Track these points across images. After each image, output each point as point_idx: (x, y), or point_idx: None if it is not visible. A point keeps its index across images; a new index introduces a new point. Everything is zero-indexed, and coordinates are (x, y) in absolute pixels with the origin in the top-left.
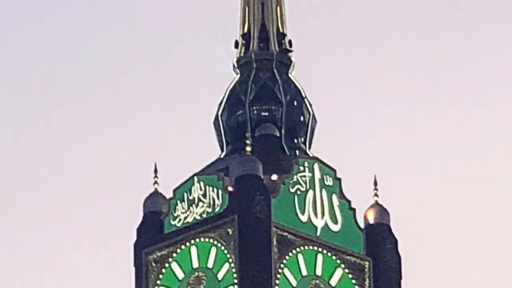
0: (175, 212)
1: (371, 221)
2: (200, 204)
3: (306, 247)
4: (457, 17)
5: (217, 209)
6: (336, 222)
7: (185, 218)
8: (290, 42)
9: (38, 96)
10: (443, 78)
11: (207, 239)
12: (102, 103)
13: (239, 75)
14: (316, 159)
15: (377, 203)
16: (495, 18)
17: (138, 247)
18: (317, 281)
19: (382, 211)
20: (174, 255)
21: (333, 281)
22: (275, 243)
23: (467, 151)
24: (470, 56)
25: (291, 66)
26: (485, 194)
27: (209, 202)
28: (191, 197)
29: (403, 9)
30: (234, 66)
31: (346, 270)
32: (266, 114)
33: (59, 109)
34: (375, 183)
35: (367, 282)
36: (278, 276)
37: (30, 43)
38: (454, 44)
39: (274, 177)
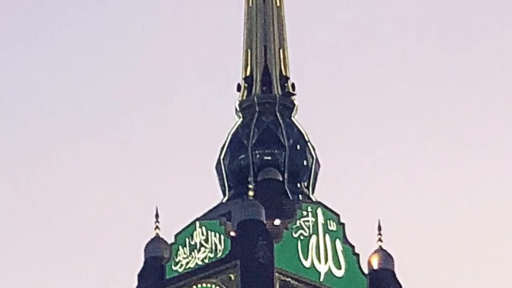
0: (176, 257)
1: (375, 266)
2: (202, 249)
3: None
4: (462, 63)
5: (219, 254)
6: (339, 268)
7: (187, 263)
8: (293, 85)
9: (39, 141)
10: (447, 123)
11: (209, 285)
12: (103, 147)
13: (241, 119)
14: (320, 203)
15: (381, 248)
16: (502, 62)
17: None
18: None
19: (386, 257)
20: None
21: None
22: None
23: (471, 196)
24: (474, 103)
25: (294, 110)
26: (490, 240)
27: (211, 247)
28: (193, 242)
29: (407, 53)
30: (236, 109)
31: None
32: (269, 158)
33: (60, 154)
34: (379, 228)
35: None
36: None
37: (30, 86)
38: (458, 90)
39: (277, 222)
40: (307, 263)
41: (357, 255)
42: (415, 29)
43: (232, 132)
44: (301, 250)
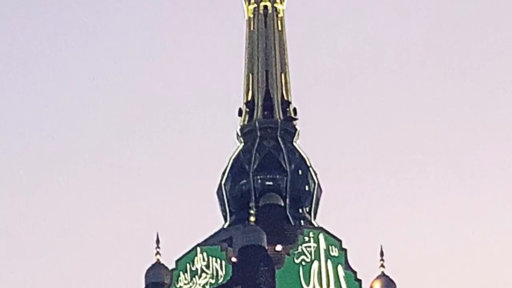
0: (177, 283)
1: None
2: (203, 275)
3: None
4: (464, 89)
5: (220, 280)
6: None
7: None
8: (295, 110)
9: (39, 165)
10: (449, 149)
11: None
12: (103, 172)
13: (242, 144)
14: (321, 229)
15: (383, 274)
16: (505, 88)
17: None
18: None
19: (388, 282)
20: None
21: None
22: None
23: (473, 222)
24: (476, 130)
25: (296, 135)
26: (492, 266)
27: (212, 273)
28: (194, 268)
29: (409, 78)
30: (237, 134)
31: None
32: (270, 183)
33: (59, 178)
34: (381, 254)
35: None
36: None
37: (30, 110)
38: (460, 116)
39: (279, 247)
40: None
41: (359, 281)
42: (417, 55)
43: (233, 157)
44: (303, 276)
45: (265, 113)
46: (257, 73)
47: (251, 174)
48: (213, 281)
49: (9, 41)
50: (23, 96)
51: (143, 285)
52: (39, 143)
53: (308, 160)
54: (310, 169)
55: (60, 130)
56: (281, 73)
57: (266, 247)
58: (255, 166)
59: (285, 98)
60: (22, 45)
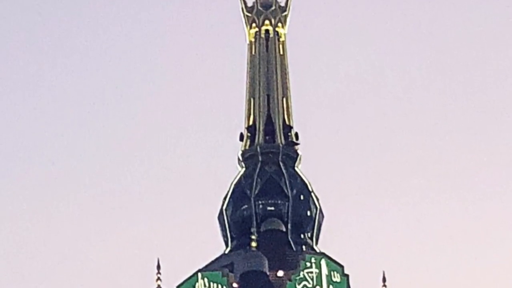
0: None
1: None
2: None
3: None
4: (466, 113)
5: None
6: None
7: None
8: (296, 134)
9: (39, 191)
10: (451, 173)
11: None
12: (103, 198)
13: (244, 169)
14: (324, 254)
15: None
16: (508, 111)
17: None
18: None
19: None
20: None
21: None
22: None
23: (476, 248)
24: (478, 153)
25: (298, 159)
26: None
27: None
28: None
29: (410, 103)
30: (239, 159)
31: None
32: (272, 208)
33: (60, 204)
34: (384, 280)
35: None
36: None
37: (30, 135)
38: (462, 140)
39: (280, 273)
40: None
41: None
42: (419, 79)
43: (234, 182)
44: None
45: (267, 138)
46: (259, 98)
47: (252, 199)
48: None
49: (9, 66)
50: (23, 121)
51: None
52: (39, 169)
53: (310, 185)
54: (312, 194)
55: (60, 155)
56: (282, 98)
57: (268, 273)
58: (256, 191)
59: (287, 122)
60: (22, 70)
